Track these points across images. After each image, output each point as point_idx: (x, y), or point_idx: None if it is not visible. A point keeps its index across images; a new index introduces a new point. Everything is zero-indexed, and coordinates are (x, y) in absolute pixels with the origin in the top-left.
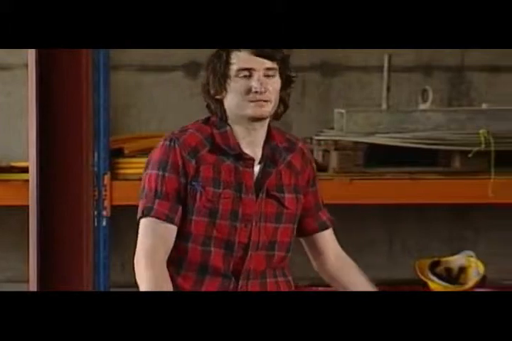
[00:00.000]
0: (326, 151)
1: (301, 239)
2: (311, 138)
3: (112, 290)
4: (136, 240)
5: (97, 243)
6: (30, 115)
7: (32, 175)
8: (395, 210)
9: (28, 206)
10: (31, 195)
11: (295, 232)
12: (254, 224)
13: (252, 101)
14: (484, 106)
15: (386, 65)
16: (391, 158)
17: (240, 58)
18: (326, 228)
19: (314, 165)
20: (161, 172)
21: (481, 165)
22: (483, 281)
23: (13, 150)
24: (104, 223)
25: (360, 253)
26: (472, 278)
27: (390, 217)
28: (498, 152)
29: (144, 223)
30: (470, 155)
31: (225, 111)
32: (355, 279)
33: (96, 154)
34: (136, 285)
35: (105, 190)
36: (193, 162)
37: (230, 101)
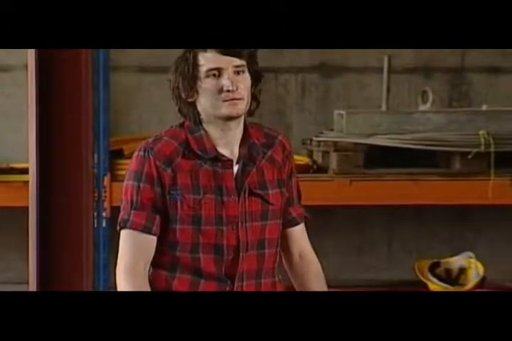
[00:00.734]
0: (325, 152)
1: None
2: (311, 140)
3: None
4: None
5: (97, 244)
6: (30, 116)
7: (32, 177)
8: (394, 211)
9: (27, 207)
10: (31, 196)
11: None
12: (240, 225)
13: (225, 101)
14: (484, 107)
15: (386, 66)
16: (391, 160)
17: (207, 59)
18: (295, 224)
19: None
20: (135, 183)
21: (480, 166)
22: (482, 282)
23: (12, 152)
24: (103, 224)
25: (360, 255)
26: (472, 279)
27: (390, 218)
28: (498, 153)
29: (122, 235)
30: (470, 157)
31: (198, 113)
32: (308, 281)
33: (96, 155)
34: None
35: (105, 191)
36: (169, 171)
37: (203, 102)
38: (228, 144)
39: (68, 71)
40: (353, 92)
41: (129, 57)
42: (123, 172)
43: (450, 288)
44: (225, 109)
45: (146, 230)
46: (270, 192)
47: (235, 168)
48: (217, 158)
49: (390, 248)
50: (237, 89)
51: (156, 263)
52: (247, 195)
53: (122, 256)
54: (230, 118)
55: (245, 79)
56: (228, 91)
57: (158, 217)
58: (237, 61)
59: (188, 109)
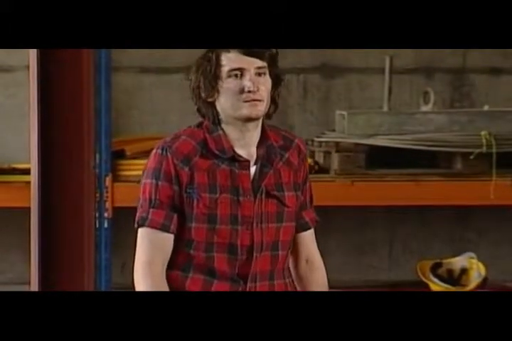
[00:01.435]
0: (327, 153)
1: None
2: (313, 140)
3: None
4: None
5: (99, 244)
6: (32, 117)
7: (33, 177)
8: (396, 212)
9: (29, 208)
10: (33, 196)
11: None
12: (255, 225)
13: (246, 101)
14: (486, 107)
15: (387, 66)
16: (392, 160)
17: (230, 59)
18: (307, 229)
19: (308, 161)
20: (154, 181)
21: (482, 166)
22: (484, 283)
23: (14, 152)
24: (105, 224)
25: (361, 255)
26: (474, 280)
27: (392, 219)
28: (499, 154)
29: (140, 233)
30: (472, 157)
31: (217, 113)
32: (312, 285)
33: (97, 156)
34: None
35: (107, 192)
36: (187, 169)
37: (224, 102)
38: (246, 145)
39: (70, 71)
40: (354, 93)
41: (130, 57)
42: (125, 173)
43: (452, 289)
44: (245, 110)
45: (165, 228)
46: (286, 194)
47: (252, 169)
48: (235, 159)
49: (392, 248)
50: (258, 90)
51: (170, 264)
52: (263, 196)
53: (140, 254)
54: (249, 119)
55: (266, 81)
56: (249, 92)
57: (175, 216)
58: (259, 62)
59: (208, 108)
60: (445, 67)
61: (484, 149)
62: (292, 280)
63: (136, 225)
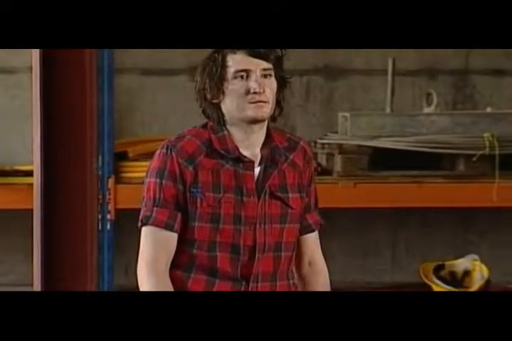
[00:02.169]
0: (330, 155)
1: None
2: (315, 142)
3: None
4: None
5: (101, 246)
6: (35, 118)
7: (36, 179)
8: (399, 214)
9: (32, 209)
10: (35, 198)
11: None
12: (258, 226)
13: (251, 103)
14: (489, 109)
15: (390, 68)
16: (395, 162)
17: (236, 60)
18: (310, 231)
19: (313, 163)
20: (158, 180)
21: (485, 168)
22: (487, 285)
23: (17, 154)
24: (108, 226)
25: (364, 257)
26: (476, 282)
27: (394, 221)
28: (502, 155)
29: (143, 231)
30: (474, 159)
31: (222, 115)
32: (314, 288)
33: (100, 158)
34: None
35: (109, 194)
36: (191, 168)
37: (229, 104)
38: (250, 146)
39: (72, 73)
40: (357, 95)
41: (132, 59)
42: (127, 175)
43: (455, 291)
44: (251, 111)
45: (169, 227)
46: (291, 195)
47: (257, 170)
48: (239, 159)
49: (394, 250)
50: (263, 91)
51: (172, 264)
52: (267, 197)
53: (143, 252)
54: (254, 120)
55: (272, 83)
56: (255, 93)
57: (179, 215)
58: (265, 64)
59: (213, 110)
60: (448, 68)
61: (487, 151)
62: (296, 282)
63: (139, 224)
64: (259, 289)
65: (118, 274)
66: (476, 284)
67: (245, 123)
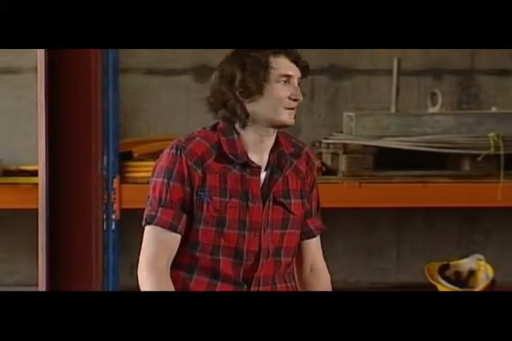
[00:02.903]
0: (335, 155)
1: None
2: (320, 142)
3: None
4: None
5: (107, 246)
6: (40, 119)
7: (41, 179)
8: (404, 214)
9: (37, 209)
10: (40, 198)
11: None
12: (263, 231)
13: (287, 108)
14: (493, 109)
15: (395, 68)
16: (400, 162)
17: (280, 64)
18: (311, 237)
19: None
20: (166, 181)
21: (490, 168)
22: (492, 285)
23: (22, 154)
24: (113, 226)
25: (369, 257)
26: (481, 282)
27: (399, 221)
28: (507, 155)
29: (147, 231)
30: (479, 159)
31: (247, 115)
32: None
33: (105, 157)
34: None
35: (114, 194)
36: (199, 171)
37: (265, 105)
38: (260, 150)
39: (78, 73)
40: (362, 94)
41: (137, 59)
42: (132, 175)
43: (459, 291)
44: (285, 117)
45: (173, 228)
46: (293, 201)
47: (262, 175)
48: (247, 164)
49: (399, 250)
50: (299, 99)
51: (175, 264)
52: (271, 203)
53: (145, 251)
54: (283, 125)
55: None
56: (295, 100)
57: (184, 216)
58: (299, 73)
59: (241, 109)
60: (453, 68)
61: (492, 151)
62: (295, 284)
63: (144, 222)
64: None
65: (123, 274)
66: (481, 284)
67: (265, 127)
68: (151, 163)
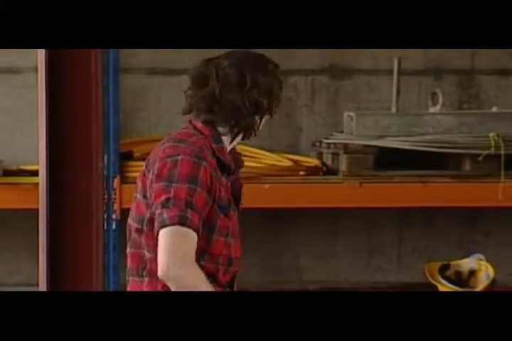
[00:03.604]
0: (335, 155)
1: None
2: (321, 142)
3: None
4: None
5: (107, 246)
6: (40, 119)
7: (42, 179)
8: (404, 213)
9: (38, 209)
10: (41, 198)
11: None
12: (237, 237)
13: None
14: (494, 109)
15: (396, 68)
16: (401, 162)
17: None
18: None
19: None
20: (192, 186)
21: (491, 168)
22: (493, 285)
23: (23, 154)
24: (113, 226)
25: (369, 257)
26: (482, 282)
27: (400, 221)
28: (508, 155)
29: (177, 230)
30: (480, 159)
31: (258, 129)
32: None
33: (106, 157)
34: None
35: (115, 194)
36: (216, 183)
37: (261, 123)
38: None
39: (78, 73)
40: (362, 94)
41: (138, 59)
42: (133, 175)
43: (460, 291)
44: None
45: (198, 232)
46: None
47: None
48: (231, 172)
49: (400, 250)
50: None
51: None
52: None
53: (178, 249)
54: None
55: None
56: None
57: (201, 224)
58: None
59: (256, 124)
60: (453, 68)
61: (493, 151)
62: None
63: (174, 222)
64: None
65: (123, 274)
66: (481, 284)
67: (243, 138)
68: None
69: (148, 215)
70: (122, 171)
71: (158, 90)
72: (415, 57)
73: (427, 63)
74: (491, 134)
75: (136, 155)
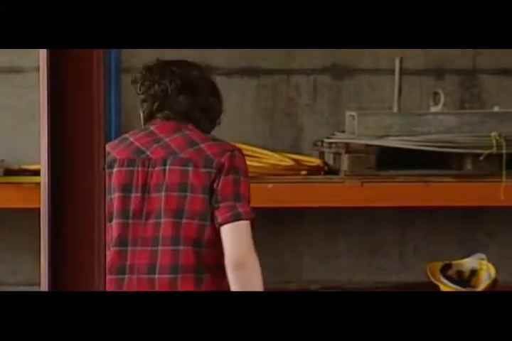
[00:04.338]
0: (337, 154)
1: None
2: (322, 141)
3: None
4: None
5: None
6: (42, 118)
7: (43, 178)
8: (406, 213)
9: (39, 208)
10: (43, 197)
11: None
12: None
13: None
14: (496, 108)
15: (398, 67)
16: (402, 161)
17: None
18: None
19: None
20: (249, 181)
21: (492, 167)
22: (494, 284)
23: (24, 153)
24: None
25: (371, 257)
26: (484, 281)
27: (402, 220)
28: (509, 154)
29: (247, 225)
30: (482, 158)
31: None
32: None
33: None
34: None
35: None
36: None
37: None
38: None
39: (80, 73)
40: (364, 94)
41: (139, 59)
42: None
43: (462, 290)
44: None
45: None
46: None
47: None
48: None
49: (402, 250)
50: None
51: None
52: None
53: (250, 244)
54: None
55: None
56: None
57: None
58: None
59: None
60: (455, 68)
61: (494, 150)
62: None
63: (250, 217)
64: None
65: None
66: (483, 283)
67: None
68: None
69: (209, 210)
70: None
71: None
72: (417, 56)
73: (428, 63)
74: (492, 134)
75: None
